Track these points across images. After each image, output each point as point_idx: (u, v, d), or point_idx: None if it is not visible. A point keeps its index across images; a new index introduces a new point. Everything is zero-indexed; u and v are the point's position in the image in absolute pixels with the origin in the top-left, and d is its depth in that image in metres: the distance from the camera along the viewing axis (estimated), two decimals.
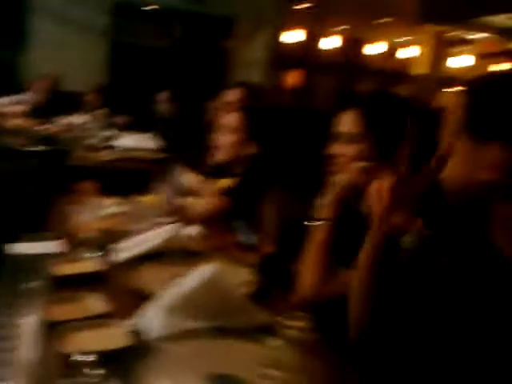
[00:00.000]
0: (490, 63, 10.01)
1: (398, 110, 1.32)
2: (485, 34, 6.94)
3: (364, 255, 1.02)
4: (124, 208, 1.67)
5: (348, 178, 1.28)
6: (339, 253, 1.33)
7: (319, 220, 1.28)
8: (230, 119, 2.02)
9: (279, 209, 2.07)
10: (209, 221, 1.76)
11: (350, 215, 1.35)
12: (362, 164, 1.26)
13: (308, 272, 1.25)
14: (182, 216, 1.68)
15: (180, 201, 1.99)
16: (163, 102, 4.45)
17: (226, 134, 1.99)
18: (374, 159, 1.27)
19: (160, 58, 7.17)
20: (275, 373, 0.50)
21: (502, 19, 5.65)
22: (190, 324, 0.92)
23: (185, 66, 7.03)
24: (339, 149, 1.31)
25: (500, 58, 9.35)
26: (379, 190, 0.98)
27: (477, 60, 9.84)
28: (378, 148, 1.28)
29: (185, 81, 6.71)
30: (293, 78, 7.83)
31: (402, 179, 0.97)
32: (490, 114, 0.83)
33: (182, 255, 1.42)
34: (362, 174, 1.26)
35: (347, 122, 1.30)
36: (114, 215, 1.61)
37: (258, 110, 2.22)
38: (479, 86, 0.89)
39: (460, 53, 8.94)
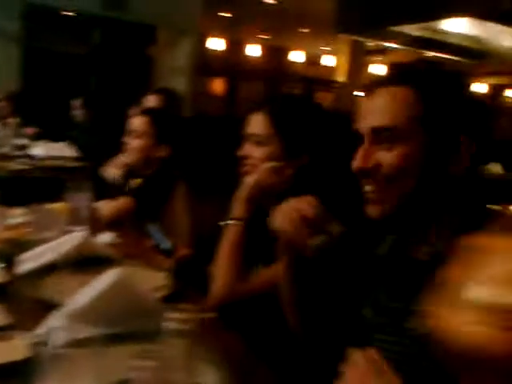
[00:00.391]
0: None
1: (304, 112, 1.36)
2: (398, 45, 7.32)
3: (282, 275, 1.06)
4: (31, 217, 1.58)
5: (257, 179, 1.29)
6: (253, 252, 1.34)
7: (231, 220, 1.29)
8: (137, 123, 2.05)
9: (193, 211, 2.09)
10: (121, 225, 1.74)
11: (262, 215, 1.37)
12: (270, 164, 1.28)
13: (221, 273, 1.25)
14: (93, 222, 1.63)
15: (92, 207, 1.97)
16: (77, 108, 4.31)
17: (134, 137, 2.04)
18: (282, 160, 1.30)
19: (77, 65, 6.95)
20: (147, 363, 0.49)
21: (413, 29, 5.99)
22: (95, 330, 0.88)
23: (104, 73, 6.84)
24: (248, 150, 1.32)
25: None
26: (285, 213, 0.99)
27: (390, 69, 10.39)
28: (286, 150, 1.30)
29: (103, 87, 6.54)
30: (218, 86, 7.87)
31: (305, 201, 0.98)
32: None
33: (94, 263, 1.37)
34: (270, 174, 1.28)
35: (255, 124, 1.32)
36: (19, 225, 1.52)
37: (166, 114, 2.26)
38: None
39: (375, 62, 9.40)
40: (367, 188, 0.88)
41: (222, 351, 0.95)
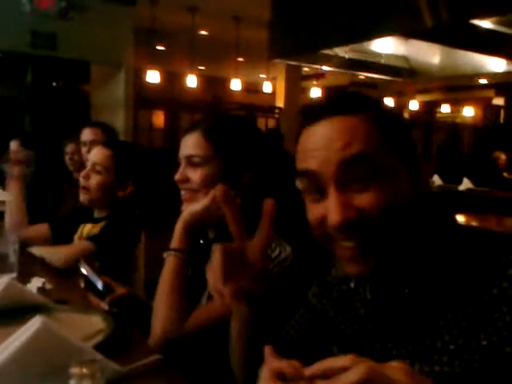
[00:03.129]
0: None
1: (240, 128, 1.31)
2: (331, 67, 7.53)
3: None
4: None
5: (200, 205, 1.21)
6: (198, 285, 1.26)
7: (170, 251, 1.21)
8: (98, 156, 1.86)
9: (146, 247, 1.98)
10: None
11: (205, 245, 1.29)
12: (215, 191, 1.21)
13: (162, 308, 1.15)
14: (21, 267, 1.50)
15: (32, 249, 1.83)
16: (15, 149, 4.07)
17: (94, 173, 1.84)
18: (223, 180, 1.23)
19: (10, 106, 6.70)
20: None
21: (344, 51, 6.17)
22: None
23: (39, 113, 6.63)
24: (186, 173, 1.25)
25: (350, 89, 10.25)
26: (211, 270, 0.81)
27: (326, 92, 10.68)
28: (226, 169, 1.24)
29: (39, 127, 6.31)
30: (158, 118, 7.79)
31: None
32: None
33: (22, 312, 1.24)
34: (215, 203, 1.20)
35: (192, 145, 1.25)
36: None
37: (129, 147, 2.09)
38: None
39: (313, 85, 9.63)
40: (346, 244, 0.73)
41: None
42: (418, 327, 0.72)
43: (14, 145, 4.07)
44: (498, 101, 11.33)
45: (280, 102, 9.11)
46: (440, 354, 0.69)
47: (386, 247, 0.73)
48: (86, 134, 2.93)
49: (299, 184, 0.76)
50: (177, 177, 1.26)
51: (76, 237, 1.96)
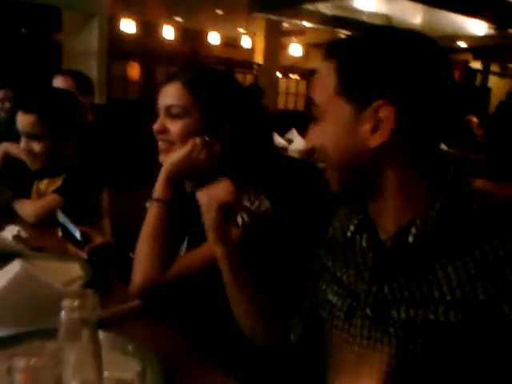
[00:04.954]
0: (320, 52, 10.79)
1: (221, 80, 1.28)
2: (312, 24, 7.39)
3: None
4: None
5: (180, 154, 1.19)
6: (177, 234, 1.26)
7: (152, 201, 1.20)
8: (24, 124, 1.78)
9: (113, 199, 1.96)
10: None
11: (186, 194, 1.29)
12: (198, 139, 1.19)
13: (143, 257, 1.15)
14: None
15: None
16: (2, 100, 3.92)
17: (31, 140, 1.79)
18: (203, 132, 1.21)
19: None
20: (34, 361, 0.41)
21: (327, 7, 6.05)
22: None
23: (7, 60, 6.35)
24: (165, 124, 1.22)
25: None
26: (208, 199, 0.93)
27: (307, 49, 10.53)
28: (206, 120, 1.22)
29: (9, 75, 6.06)
30: (133, 70, 7.57)
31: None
32: (368, 72, 0.73)
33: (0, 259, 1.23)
34: (198, 149, 1.19)
35: (172, 95, 1.22)
36: None
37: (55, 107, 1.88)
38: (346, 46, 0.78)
39: (291, 42, 9.47)
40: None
41: (145, 341, 0.86)
42: (416, 275, 0.73)
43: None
44: (476, 64, 11.38)
45: (259, 58, 8.94)
46: (436, 303, 0.70)
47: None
48: (57, 83, 2.84)
49: None
50: (156, 127, 1.23)
51: (33, 193, 1.93)
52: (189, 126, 1.21)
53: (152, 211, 1.18)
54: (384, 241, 0.79)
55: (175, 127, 1.21)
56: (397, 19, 6.79)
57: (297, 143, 5.15)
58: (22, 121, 1.77)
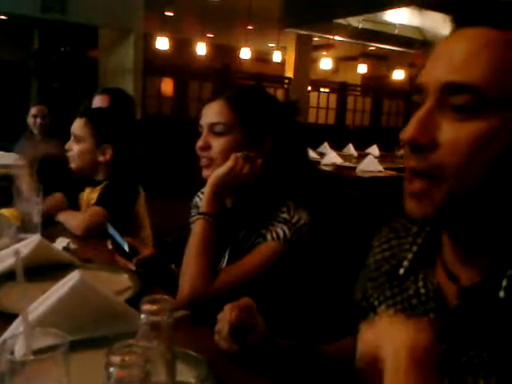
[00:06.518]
0: (352, 65, 10.80)
1: (261, 97, 1.33)
2: (344, 38, 7.42)
3: None
4: None
5: (225, 169, 1.23)
6: (218, 248, 1.30)
7: (200, 215, 1.24)
8: (76, 126, 1.96)
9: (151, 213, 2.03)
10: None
11: (226, 210, 1.33)
12: (241, 153, 1.24)
13: (191, 270, 1.19)
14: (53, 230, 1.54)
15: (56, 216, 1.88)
16: (35, 116, 4.03)
17: (76, 142, 1.95)
18: (246, 148, 1.26)
19: (16, 71, 6.67)
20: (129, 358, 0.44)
21: (357, 21, 6.09)
22: (59, 337, 0.81)
23: (47, 78, 6.60)
24: (209, 141, 1.27)
25: (358, 60, 10.12)
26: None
27: (337, 63, 10.57)
28: (248, 136, 1.27)
29: (47, 94, 6.29)
30: (166, 86, 7.74)
31: None
32: None
33: (52, 269, 1.29)
34: (241, 163, 1.24)
35: (216, 113, 1.27)
36: None
37: (105, 112, 2.14)
38: None
39: (323, 56, 9.51)
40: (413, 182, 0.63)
41: (196, 348, 0.90)
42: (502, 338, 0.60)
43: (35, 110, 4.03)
44: None
45: (289, 72, 9.02)
46: None
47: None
48: (96, 101, 2.95)
49: None
50: (199, 143, 1.27)
51: (82, 202, 2.03)
52: (231, 142, 1.25)
53: (200, 224, 1.22)
54: (445, 288, 0.67)
55: (218, 144, 1.26)
56: (429, 31, 6.76)
57: (329, 156, 5.16)
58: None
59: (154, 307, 0.52)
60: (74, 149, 1.95)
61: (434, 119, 0.60)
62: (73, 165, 1.96)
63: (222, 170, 1.24)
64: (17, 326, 0.89)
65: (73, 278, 0.96)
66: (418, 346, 0.53)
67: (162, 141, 5.65)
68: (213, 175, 1.24)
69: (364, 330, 0.57)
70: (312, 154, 5.24)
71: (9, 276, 1.22)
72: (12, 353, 0.73)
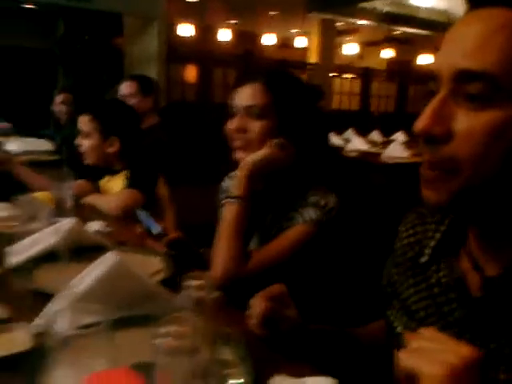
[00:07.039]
0: (376, 50, 10.63)
1: (296, 84, 1.33)
2: (368, 22, 7.31)
3: None
4: (15, 210, 1.53)
5: (261, 154, 1.24)
6: (253, 231, 1.31)
7: (231, 198, 1.25)
8: (81, 123, 2.02)
9: (176, 198, 2.07)
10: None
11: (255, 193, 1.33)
12: (278, 140, 1.24)
13: (222, 253, 1.20)
14: (80, 211, 1.58)
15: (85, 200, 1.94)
16: (60, 103, 4.09)
17: (84, 138, 2.03)
18: (278, 135, 1.26)
19: (42, 59, 6.76)
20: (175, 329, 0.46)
21: (383, 4, 5.98)
22: (100, 314, 0.84)
23: (73, 65, 6.68)
24: (244, 123, 1.27)
25: (384, 45, 9.95)
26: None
27: (362, 48, 10.41)
28: (281, 123, 1.27)
29: (77, 81, 6.38)
30: (190, 72, 7.76)
31: None
32: None
33: (86, 251, 1.32)
34: (276, 150, 1.24)
35: (252, 95, 1.26)
36: (4, 218, 1.46)
37: (108, 105, 2.19)
38: None
39: (347, 41, 9.39)
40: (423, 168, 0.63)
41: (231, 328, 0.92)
42: None
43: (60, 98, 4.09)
44: None
45: (313, 58, 8.93)
46: None
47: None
48: (122, 87, 2.99)
49: None
50: (234, 125, 1.27)
51: (101, 189, 2.10)
52: (267, 126, 1.25)
53: (232, 208, 1.23)
54: (468, 278, 0.66)
55: (255, 127, 1.26)
56: (455, 14, 6.60)
57: (354, 143, 5.13)
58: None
59: (199, 282, 0.54)
60: (84, 144, 2.03)
61: (448, 109, 0.59)
62: (88, 161, 2.04)
63: (257, 155, 1.24)
64: (57, 304, 0.93)
65: (110, 258, 0.99)
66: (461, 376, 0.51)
67: (186, 126, 5.68)
68: (248, 159, 1.25)
69: (401, 356, 0.55)
70: (337, 140, 5.21)
71: (44, 258, 1.26)
72: (56, 329, 0.76)
